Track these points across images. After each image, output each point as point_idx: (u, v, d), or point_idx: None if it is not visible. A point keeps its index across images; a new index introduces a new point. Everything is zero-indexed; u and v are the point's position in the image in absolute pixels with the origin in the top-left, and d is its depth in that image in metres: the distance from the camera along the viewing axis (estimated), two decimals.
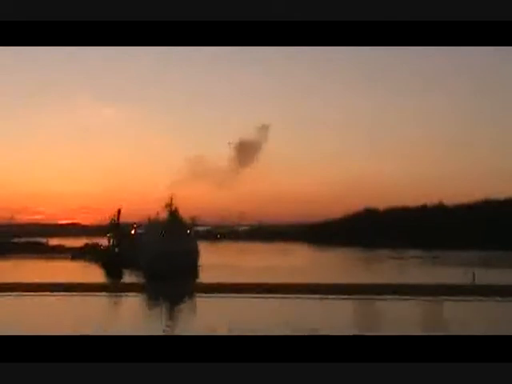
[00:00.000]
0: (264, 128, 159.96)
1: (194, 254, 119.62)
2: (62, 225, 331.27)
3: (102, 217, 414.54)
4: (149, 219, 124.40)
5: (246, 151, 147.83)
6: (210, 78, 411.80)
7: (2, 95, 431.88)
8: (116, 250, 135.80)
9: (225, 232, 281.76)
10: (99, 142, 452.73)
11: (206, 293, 78.52)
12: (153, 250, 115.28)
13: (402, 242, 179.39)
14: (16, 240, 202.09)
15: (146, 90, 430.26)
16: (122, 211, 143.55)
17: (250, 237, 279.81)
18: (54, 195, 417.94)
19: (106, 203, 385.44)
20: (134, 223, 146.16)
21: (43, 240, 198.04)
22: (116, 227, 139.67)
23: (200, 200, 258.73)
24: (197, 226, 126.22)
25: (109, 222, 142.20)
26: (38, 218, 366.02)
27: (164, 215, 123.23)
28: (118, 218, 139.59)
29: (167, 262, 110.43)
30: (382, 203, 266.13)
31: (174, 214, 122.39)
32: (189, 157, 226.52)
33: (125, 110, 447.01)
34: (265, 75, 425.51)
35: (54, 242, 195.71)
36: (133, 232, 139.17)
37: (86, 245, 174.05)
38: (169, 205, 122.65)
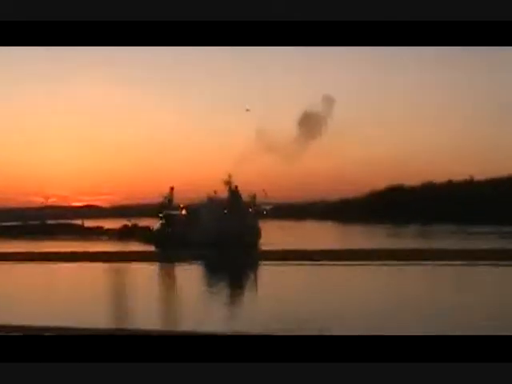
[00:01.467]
0: (329, 100, 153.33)
1: (255, 232, 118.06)
2: (77, 207, 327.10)
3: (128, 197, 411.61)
4: (208, 197, 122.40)
5: (310, 124, 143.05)
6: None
7: (17, 78, 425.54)
8: (169, 230, 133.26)
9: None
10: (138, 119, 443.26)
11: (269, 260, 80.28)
12: (215, 229, 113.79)
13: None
14: (49, 222, 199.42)
15: (201, 65, 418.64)
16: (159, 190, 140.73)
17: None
18: (68, 176, 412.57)
19: (148, 183, 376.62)
20: (180, 204, 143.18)
21: (78, 222, 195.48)
22: (169, 206, 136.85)
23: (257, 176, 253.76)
24: (256, 204, 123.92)
25: (161, 200, 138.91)
26: (52, 200, 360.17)
27: (223, 193, 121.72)
28: (172, 197, 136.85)
29: (229, 240, 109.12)
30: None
31: (234, 191, 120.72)
32: (246, 133, 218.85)
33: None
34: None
35: (87, 223, 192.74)
36: (184, 212, 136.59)
37: (125, 226, 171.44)
38: (228, 182, 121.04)
